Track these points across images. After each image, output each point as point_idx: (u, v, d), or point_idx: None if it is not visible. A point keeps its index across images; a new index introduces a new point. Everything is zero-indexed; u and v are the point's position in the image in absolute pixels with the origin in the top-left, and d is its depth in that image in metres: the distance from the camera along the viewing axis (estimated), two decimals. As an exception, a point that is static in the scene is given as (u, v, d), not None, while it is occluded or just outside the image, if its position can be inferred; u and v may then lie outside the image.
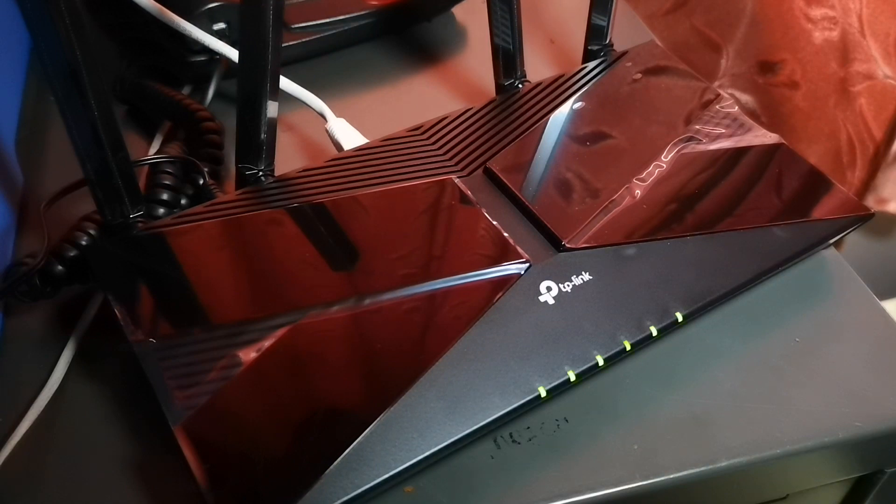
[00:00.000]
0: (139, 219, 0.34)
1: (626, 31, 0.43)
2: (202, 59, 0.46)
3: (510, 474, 0.30)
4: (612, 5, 0.43)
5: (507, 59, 0.42)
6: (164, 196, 0.37)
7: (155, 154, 0.41)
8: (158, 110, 0.45)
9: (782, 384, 0.33)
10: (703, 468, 0.30)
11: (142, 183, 0.38)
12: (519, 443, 0.31)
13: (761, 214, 0.36)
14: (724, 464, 0.31)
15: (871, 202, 0.74)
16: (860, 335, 0.35)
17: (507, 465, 0.30)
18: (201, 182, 0.38)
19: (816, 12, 0.69)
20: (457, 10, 0.54)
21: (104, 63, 0.47)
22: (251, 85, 0.34)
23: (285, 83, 0.44)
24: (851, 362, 0.34)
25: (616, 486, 0.30)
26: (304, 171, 0.36)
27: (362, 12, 0.50)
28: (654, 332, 0.32)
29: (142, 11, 0.45)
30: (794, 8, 0.71)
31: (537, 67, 0.50)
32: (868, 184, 0.73)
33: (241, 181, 0.36)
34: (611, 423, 0.32)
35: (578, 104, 0.41)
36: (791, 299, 0.36)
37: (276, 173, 0.37)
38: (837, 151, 0.74)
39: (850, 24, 0.68)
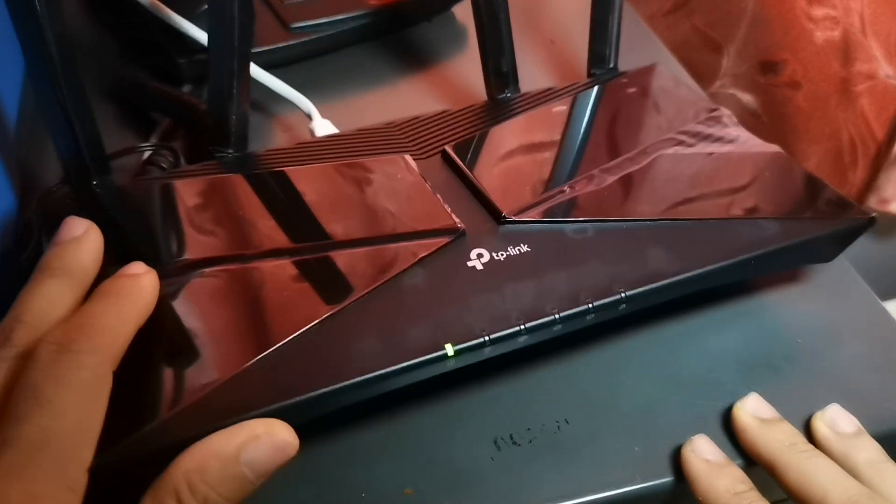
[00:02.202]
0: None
1: (626, 32, 0.43)
2: (201, 58, 0.45)
3: (510, 476, 0.30)
4: (612, 31, 0.42)
5: (498, 76, 0.41)
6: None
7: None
8: (160, 108, 0.45)
9: (783, 384, 0.33)
10: (704, 469, 0.30)
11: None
12: (519, 444, 0.31)
13: (738, 207, 0.33)
14: (725, 465, 0.30)
15: (872, 202, 0.74)
16: (862, 336, 0.35)
17: (507, 467, 0.30)
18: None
19: (818, 12, 0.69)
20: (457, 10, 0.54)
21: (104, 63, 0.48)
22: (220, 70, 0.34)
23: (273, 82, 0.44)
24: (853, 363, 0.34)
25: (617, 488, 0.30)
26: (270, 150, 0.37)
27: (362, 12, 0.49)
28: (591, 307, 0.29)
29: (142, 11, 0.45)
30: (795, 8, 0.70)
31: (536, 69, 0.50)
32: (870, 184, 0.73)
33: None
34: (611, 425, 0.32)
35: (560, 107, 0.39)
36: (792, 299, 0.36)
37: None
38: (839, 151, 0.74)
39: (851, 23, 0.67)
